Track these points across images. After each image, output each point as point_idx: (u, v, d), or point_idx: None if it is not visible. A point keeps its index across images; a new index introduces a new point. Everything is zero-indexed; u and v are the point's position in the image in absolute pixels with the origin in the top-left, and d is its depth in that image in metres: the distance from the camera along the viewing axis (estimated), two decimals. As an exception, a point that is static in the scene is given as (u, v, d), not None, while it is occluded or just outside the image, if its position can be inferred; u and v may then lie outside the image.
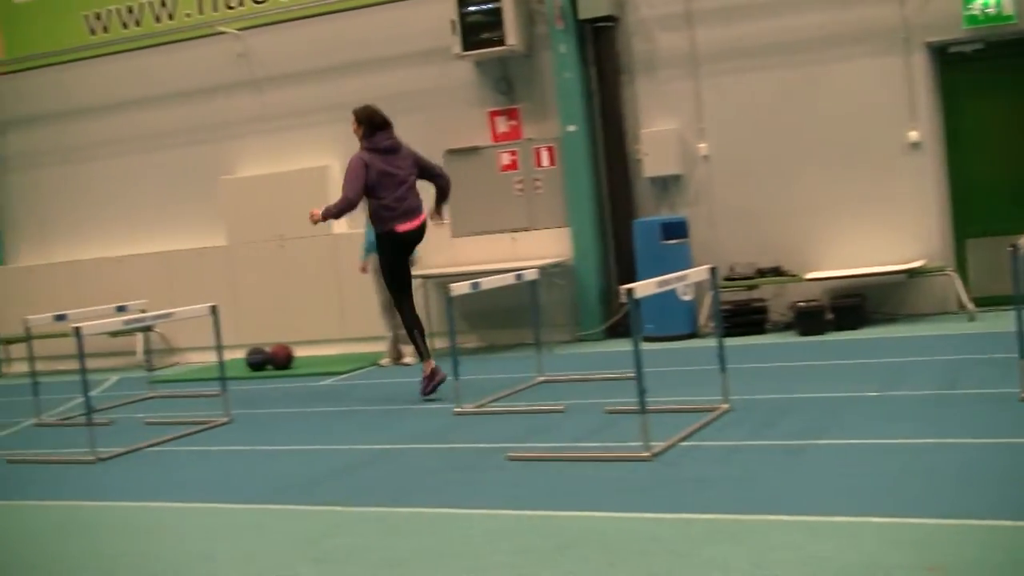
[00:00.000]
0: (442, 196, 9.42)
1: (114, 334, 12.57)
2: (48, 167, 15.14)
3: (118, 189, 14.66)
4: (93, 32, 14.68)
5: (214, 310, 9.01)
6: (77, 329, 7.83)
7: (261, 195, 13.46)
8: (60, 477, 7.44)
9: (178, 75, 14.21)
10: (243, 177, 13.72)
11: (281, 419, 8.96)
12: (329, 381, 10.95)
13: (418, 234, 9.12)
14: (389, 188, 8.90)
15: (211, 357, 12.97)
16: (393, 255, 9.08)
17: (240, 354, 12.18)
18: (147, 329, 11.76)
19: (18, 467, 7.94)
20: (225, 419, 8.84)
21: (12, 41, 15.25)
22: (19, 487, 7.20)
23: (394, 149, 9.04)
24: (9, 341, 14.53)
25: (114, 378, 12.83)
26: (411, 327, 9.17)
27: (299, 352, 12.39)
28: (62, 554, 5.47)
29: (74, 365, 13.23)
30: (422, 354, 9.17)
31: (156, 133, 14.42)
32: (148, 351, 11.91)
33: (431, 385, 9.08)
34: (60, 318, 10.40)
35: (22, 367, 14.41)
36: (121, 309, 10.55)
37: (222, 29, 13.77)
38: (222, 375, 9.02)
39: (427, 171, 9.28)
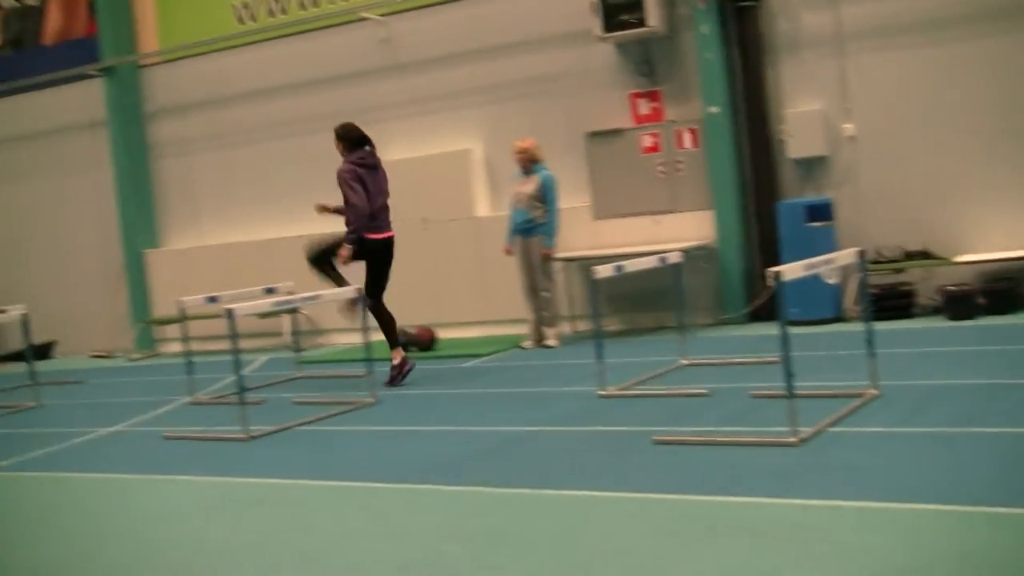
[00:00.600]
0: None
1: (262, 315, 12.87)
2: (199, 153, 15.57)
3: (265, 174, 15.01)
4: (241, 21, 15.03)
5: (359, 292, 9.16)
6: (229, 311, 8.04)
7: (405, 178, 13.58)
8: (214, 454, 7.67)
9: (323, 61, 14.47)
10: (387, 161, 13.83)
11: (425, 400, 9.08)
12: (472, 363, 11.05)
13: (385, 245, 9.78)
14: (371, 200, 9.69)
15: (356, 339, 13.25)
16: (375, 257, 9.79)
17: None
18: (294, 311, 12.01)
19: (174, 443, 8.22)
20: (371, 400, 9.00)
21: (165, 32, 15.71)
22: (175, 463, 7.44)
23: (375, 167, 9.84)
24: (163, 322, 15.03)
25: (262, 358, 13.17)
26: (385, 320, 9.83)
27: (442, 334, 12.53)
28: (218, 528, 5.65)
29: (225, 345, 13.63)
30: (392, 344, 9.83)
31: (302, 118, 14.70)
32: (295, 332, 12.17)
33: (400, 375, 9.76)
34: (212, 300, 10.71)
35: (175, 347, 14.88)
36: (270, 291, 10.82)
37: (365, 15, 13.97)
38: (368, 356, 9.18)
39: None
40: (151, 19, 15.84)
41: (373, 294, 9.74)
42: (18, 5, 17.05)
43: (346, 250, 9.61)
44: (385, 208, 9.88)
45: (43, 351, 15.85)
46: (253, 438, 7.94)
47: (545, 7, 12.97)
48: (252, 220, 15.16)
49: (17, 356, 15.69)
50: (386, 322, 9.84)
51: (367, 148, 9.87)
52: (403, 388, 9.67)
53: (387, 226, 9.88)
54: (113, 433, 9.05)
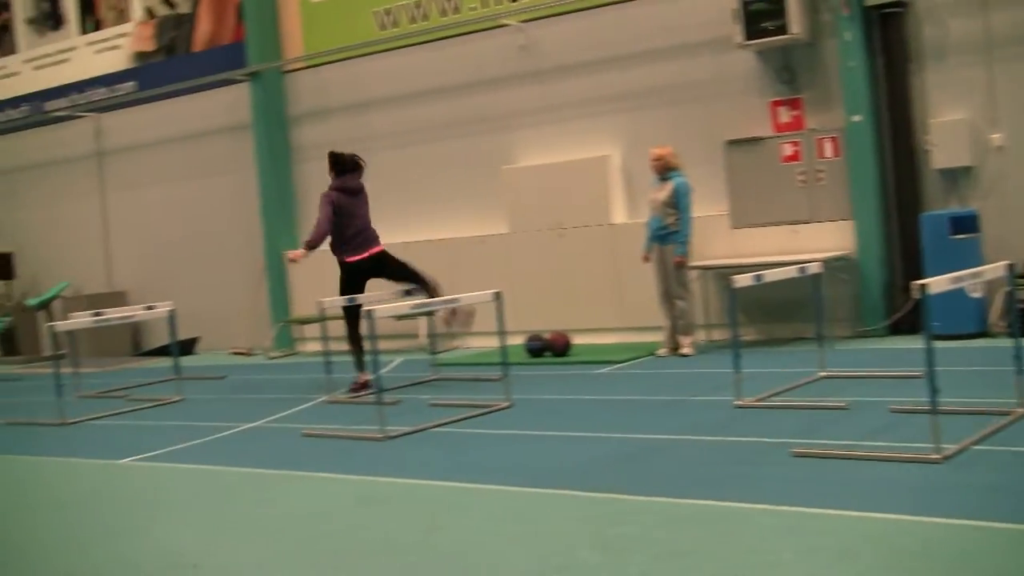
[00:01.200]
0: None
1: (399, 317, 13.03)
2: (340, 156, 15.83)
3: (404, 178, 15.19)
4: (383, 27, 15.25)
5: (497, 296, 9.24)
6: (370, 312, 8.16)
7: (542, 184, 13.67)
8: (351, 452, 7.80)
9: (462, 67, 14.60)
10: (525, 166, 13.97)
11: (560, 405, 9.09)
12: (607, 369, 11.03)
13: (372, 262, 10.66)
14: (348, 225, 10.52)
15: (490, 342, 13.32)
16: (347, 278, 10.63)
17: (519, 340, 12.42)
18: (431, 313, 12.13)
19: (312, 441, 8.37)
20: (506, 403, 9.05)
21: (309, 37, 16.02)
22: (314, 460, 7.58)
23: (358, 192, 10.69)
24: (302, 321, 15.32)
25: (398, 360, 13.33)
26: (356, 341, 10.59)
27: (577, 340, 12.53)
28: (357, 526, 5.74)
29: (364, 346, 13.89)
30: (361, 366, 10.61)
31: (440, 124, 14.86)
32: (431, 335, 12.29)
33: (358, 390, 10.43)
34: (351, 301, 10.87)
35: (313, 346, 15.17)
36: (408, 294, 10.95)
37: (505, 22, 14.06)
38: (504, 360, 9.23)
39: None
40: (296, 26, 16.17)
41: (349, 312, 10.52)
42: (171, 14, 17.57)
43: (297, 253, 10.78)
44: (361, 231, 10.69)
45: (187, 347, 16.28)
46: (390, 438, 8.04)
47: (685, 14, 12.89)
48: (390, 223, 15.25)
49: (163, 351, 16.18)
50: (355, 341, 10.62)
51: (352, 174, 10.71)
52: (538, 393, 9.70)
53: (364, 247, 10.68)
54: (253, 428, 9.26)
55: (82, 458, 8.57)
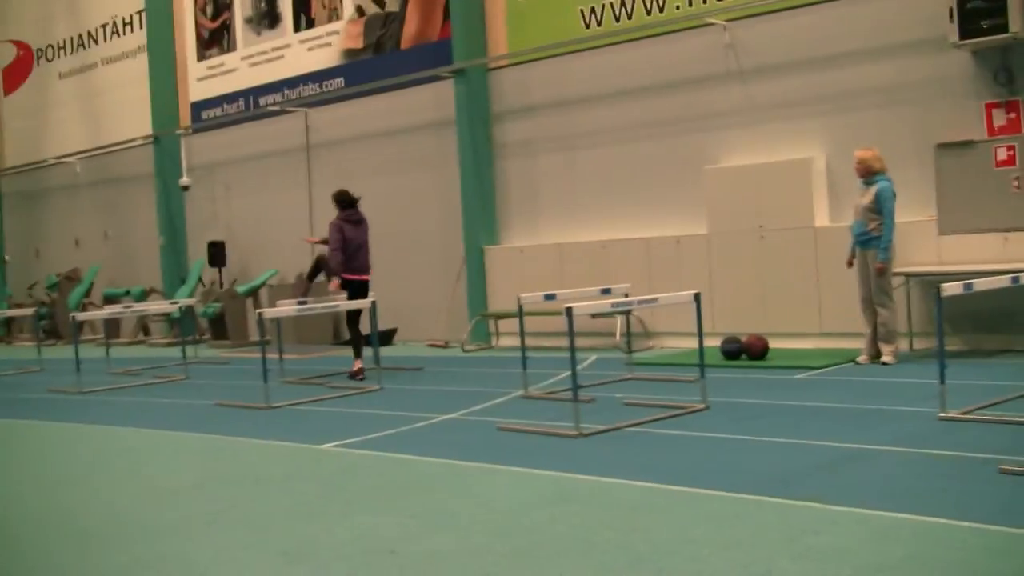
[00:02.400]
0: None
1: (595, 315, 13.02)
2: (541, 154, 15.92)
3: (604, 176, 15.18)
4: (588, 26, 15.25)
5: (697, 298, 9.13)
6: (569, 309, 8.17)
7: (743, 185, 13.46)
8: (546, 448, 7.81)
9: (666, 66, 14.49)
10: (726, 167, 13.77)
11: (756, 410, 8.93)
12: (805, 375, 10.78)
13: (358, 283, 12.83)
14: (350, 247, 12.72)
15: (686, 343, 13.23)
16: (351, 295, 12.74)
17: (715, 342, 12.26)
18: (627, 312, 12.08)
19: (507, 435, 8.43)
20: (702, 405, 8.93)
21: (514, 36, 16.15)
22: (509, 454, 7.62)
23: (359, 222, 12.99)
24: (500, 316, 15.46)
25: (592, 357, 13.32)
26: (357, 337, 12.87)
27: (774, 344, 12.30)
28: (551, 523, 5.74)
29: (556, 342, 13.97)
30: (358, 354, 12.77)
31: (642, 123, 14.78)
32: (627, 334, 12.23)
33: (355, 376, 12.54)
34: (549, 297, 10.94)
35: (508, 341, 15.30)
36: (606, 292, 10.93)
37: (711, 20, 13.89)
38: (701, 362, 9.12)
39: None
40: (501, 24, 16.33)
41: (351, 315, 12.94)
42: (380, 12, 17.96)
43: (335, 284, 12.77)
44: (362, 254, 12.91)
45: (386, 337, 16.63)
46: (584, 435, 8.04)
47: (895, 13, 12.49)
48: (589, 221, 15.37)
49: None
50: (356, 337, 12.88)
51: (354, 208, 12.99)
52: (734, 396, 9.56)
53: (361, 270, 12.90)
54: (449, 420, 9.38)
55: (284, 441, 8.83)
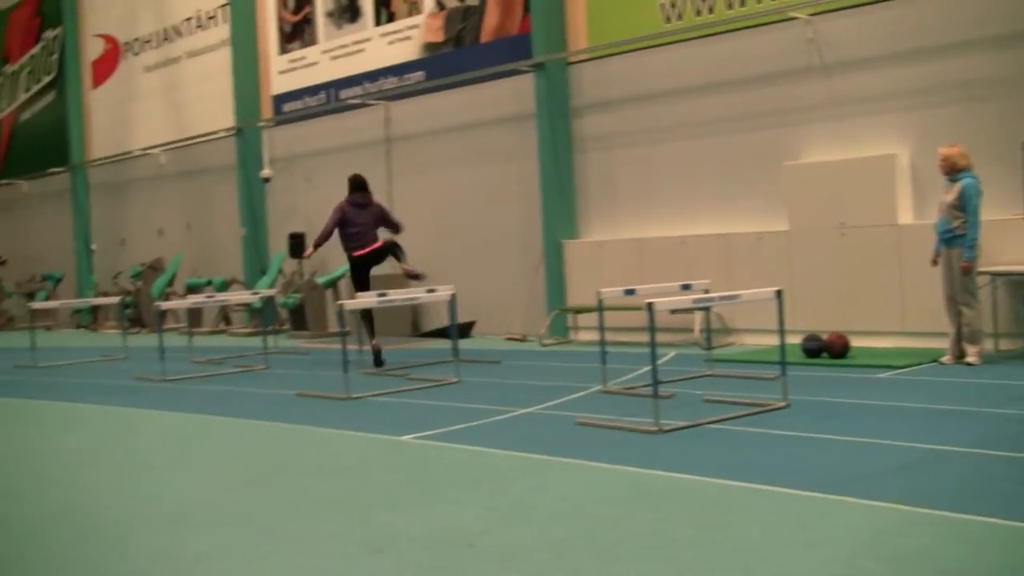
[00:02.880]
0: (394, 232, 14.29)
1: (674, 310, 12.94)
2: (620, 148, 15.86)
3: (683, 171, 15.08)
4: (668, 20, 15.16)
5: (779, 295, 9.04)
6: (650, 304, 8.13)
7: (825, 182, 13.29)
8: (625, 443, 7.78)
9: (746, 61, 14.35)
10: (807, 163, 13.61)
11: (839, 409, 8.81)
12: (887, 374, 10.63)
13: (370, 256, 13.79)
14: (353, 229, 13.70)
15: (766, 340, 13.11)
16: (354, 269, 13.82)
17: (795, 339, 12.13)
18: (706, 308, 12.00)
19: (586, 430, 8.41)
20: (782, 403, 8.84)
21: (594, 30, 16.10)
22: (588, 449, 7.60)
23: (364, 205, 13.90)
24: (578, 310, 15.44)
25: (671, 353, 13.24)
26: (368, 318, 13.82)
27: (856, 342, 12.14)
28: (632, 519, 5.71)
29: (634, 337, 13.93)
30: (371, 335, 13.75)
31: (722, 118, 14.66)
32: (706, 329, 12.15)
33: (377, 358, 13.41)
34: (629, 292, 10.89)
35: (586, 335, 15.28)
36: (686, 288, 10.86)
37: (793, 15, 13.73)
38: (782, 359, 9.03)
39: (385, 221, 14.12)
40: (581, 18, 16.28)
41: (358, 290, 13.60)
42: (460, 5, 18.00)
43: (308, 251, 14.26)
44: (362, 233, 13.75)
45: (465, 330, 16.69)
46: (664, 432, 7.99)
47: (981, 7, 12.24)
48: (667, 216, 15.28)
49: (440, 333, 16.66)
50: (366, 317, 13.89)
51: (361, 192, 13.91)
52: (815, 395, 9.45)
53: (366, 245, 13.75)
54: (528, 414, 9.38)
55: (364, 431, 8.89)
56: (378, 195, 19.37)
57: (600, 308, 10.79)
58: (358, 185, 14.04)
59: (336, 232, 13.83)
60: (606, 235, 16.00)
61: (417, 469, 7.42)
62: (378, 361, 13.44)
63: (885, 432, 7.66)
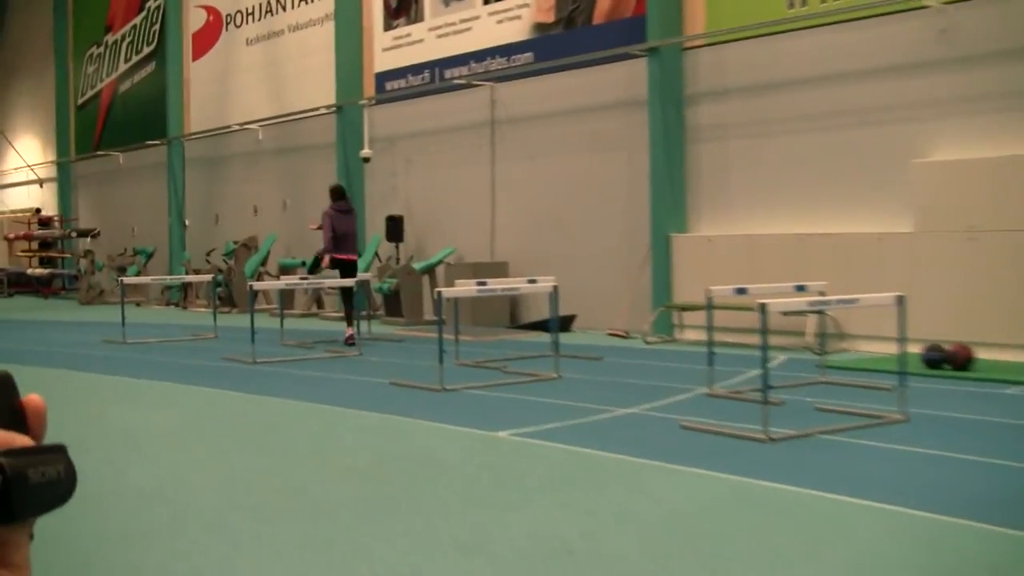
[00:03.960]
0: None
1: (786, 312, 12.80)
2: (735, 139, 15.72)
3: (801, 165, 14.89)
4: (791, 6, 14.96)
5: (900, 300, 8.88)
6: (763, 305, 8.04)
7: (956, 182, 13.00)
8: (731, 450, 7.70)
9: (873, 51, 14.11)
10: (937, 161, 13.34)
11: (960, 425, 8.63)
12: (1013, 390, 10.38)
13: (353, 265, 15.97)
14: (339, 234, 15.64)
15: (882, 348, 12.88)
16: (339, 269, 15.90)
17: (914, 348, 11.90)
18: (821, 312, 11.84)
19: (690, 434, 8.35)
20: (900, 416, 8.68)
21: (712, 14, 15.96)
22: (691, 454, 7.54)
23: (348, 212, 15.89)
24: (685, 308, 15.34)
25: (781, 357, 13.09)
26: (348, 304, 15.73)
27: (981, 354, 11.87)
28: (738, 530, 5.66)
29: (743, 339, 13.79)
30: (349, 321, 15.63)
31: (845, 111, 14.44)
32: (820, 334, 11.99)
33: (348, 342, 15.24)
34: (740, 291, 10.80)
35: (692, 334, 15.17)
36: (800, 289, 10.72)
37: (925, 3, 13.46)
38: (901, 369, 8.87)
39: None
40: (698, 2, 16.14)
41: (344, 290, 15.87)
42: (574, -17, 17.98)
43: (326, 261, 15.91)
44: (349, 240, 15.77)
45: (565, 323, 16.67)
46: (773, 440, 7.90)
47: None
48: (782, 212, 15.10)
49: (539, 326, 16.66)
50: (351, 305, 15.68)
51: (344, 200, 15.91)
52: (936, 408, 9.27)
53: (350, 251, 15.83)
54: (629, 415, 9.35)
55: (459, 425, 8.93)
56: (480, 180, 19.56)
57: (709, 307, 10.71)
58: (340, 193, 16.05)
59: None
60: (716, 230, 15.87)
61: (512, 467, 7.44)
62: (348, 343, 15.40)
63: (1012, 452, 7.49)
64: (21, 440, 0.93)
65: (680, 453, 7.61)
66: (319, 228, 16.07)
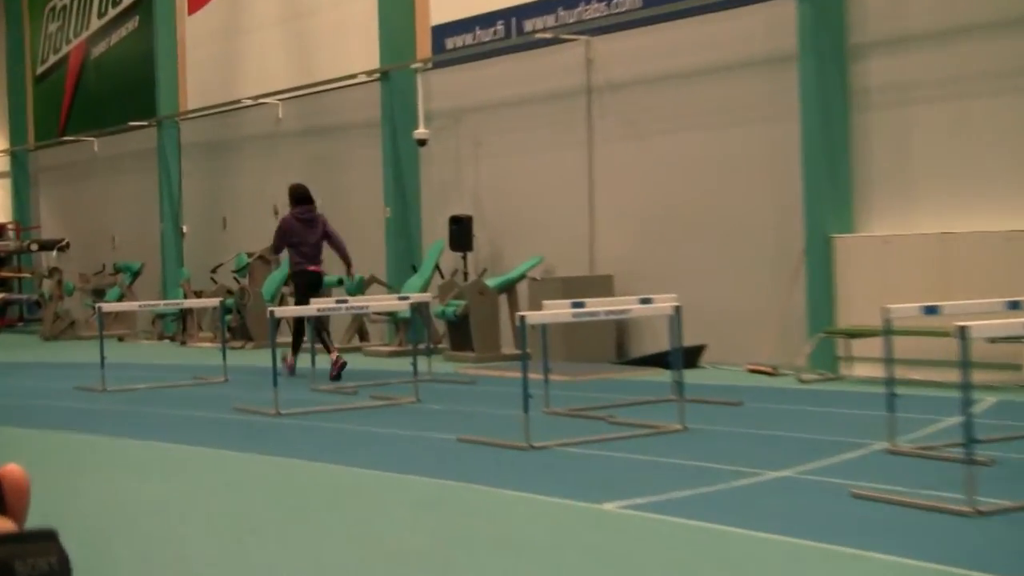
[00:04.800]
0: (341, 257, 18.10)
1: (995, 339, 12.61)
2: (920, 104, 15.53)
3: (1013, 138, 14.67)
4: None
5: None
6: (963, 329, 7.93)
7: None
8: (924, 528, 7.59)
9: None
10: None
11: None
12: None
13: (316, 276, 17.87)
14: (303, 245, 17.54)
15: None
16: (301, 285, 17.89)
17: None
18: (1042, 336, 11.66)
19: (865, 505, 8.22)
20: None
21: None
22: (870, 534, 7.43)
23: (310, 220, 17.69)
24: (853, 334, 15.16)
25: (990, 399, 12.89)
26: (298, 331, 17.92)
27: None
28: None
29: (936, 375, 13.62)
30: (295, 351, 17.90)
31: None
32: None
33: (335, 371, 17.02)
34: (930, 310, 10.67)
35: (866, 370, 14.99)
36: (1014, 307, 10.56)
37: None
38: None
39: (328, 237, 17.87)
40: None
41: (299, 304, 17.47)
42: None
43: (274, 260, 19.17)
44: (313, 249, 17.64)
45: (690, 357, 16.55)
46: (981, 513, 7.77)
47: None
48: (988, 203, 14.88)
49: (655, 360, 16.57)
50: (298, 332, 17.91)
51: (307, 205, 17.71)
52: None
53: (313, 262, 17.70)
54: (781, 479, 9.29)
55: (549, 495, 8.90)
56: (576, 165, 19.55)
57: (887, 331, 10.58)
58: (302, 197, 17.67)
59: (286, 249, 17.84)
60: (896, 228, 15.69)
61: (624, 551, 7.40)
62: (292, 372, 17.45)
63: None
64: (3, 525, 0.95)
65: (852, 532, 7.51)
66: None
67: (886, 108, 15.86)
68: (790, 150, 16.46)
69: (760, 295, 16.99)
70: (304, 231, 17.49)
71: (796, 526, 7.70)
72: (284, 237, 17.69)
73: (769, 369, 16.22)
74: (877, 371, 11.53)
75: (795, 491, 8.91)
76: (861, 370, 15.28)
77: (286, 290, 23.48)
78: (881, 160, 15.92)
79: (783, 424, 12.02)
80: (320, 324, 17.52)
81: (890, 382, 10.27)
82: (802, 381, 15.31)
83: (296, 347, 17.75)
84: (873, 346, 13.06)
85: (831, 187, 16.05)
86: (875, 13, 15.94)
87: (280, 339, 19.96)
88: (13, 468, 1.00)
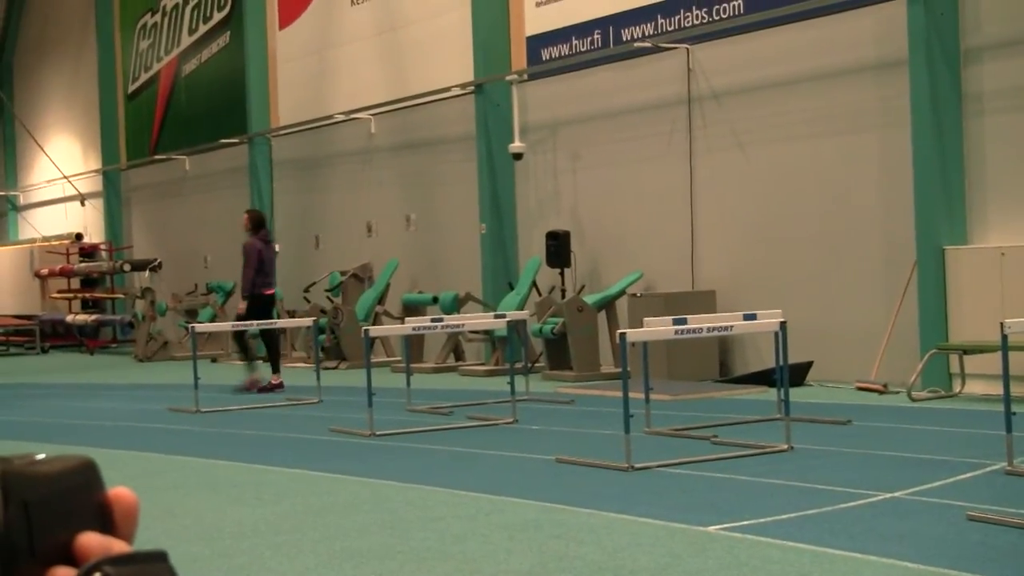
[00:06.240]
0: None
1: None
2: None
3: None
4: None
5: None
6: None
7: None
8: None
9: None
10: None
11: None
12: None
13: (273, 298, 19.83)
14: (265, 267, 19.27)
15: None
16: (258, 306, 19.20)
17: None
18: None
19: (984, 529, 8.11)
20: None
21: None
22: (988, 559, 7.34)
23: (270, 242, 19.59)
24: (968, 349, 14.98)
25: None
26: (246, 347, 20.02)
27: None
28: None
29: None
30: (250, 364, 19.81)
31: None
32: None
33: (258, 390, 18.97)
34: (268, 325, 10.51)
35: (982, 387, 14.82)
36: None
37: None
38: None
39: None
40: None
41: (266, 333, 19.95)
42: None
43: (242, 307, 19.20)
44: (270, 272, 19.42)
45: (798, 374, 16.44)
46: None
47: None
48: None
49: (763, 378, 16.46)
50: (245, 347, 20.08)
51: (266, 229, 19.83)
52: None
53: (272, 286, 19.62)
54: (893, 500, 9.17)
55: (652, 518, 8.85)
56: (677, 177, 19.52)
57: (1005, 347, 10.43)
58: (262, 222, 19.85)
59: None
60: (1012, 239, 15.49)
61: (730, 575, 7.32)
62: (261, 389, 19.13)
63: None
64: (119, 546, 1.00)
65: (968, 557, 7.42)
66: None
67: (1001, 113, 15.68)
68: (900, 158, 16.31)
69: (869, 310, 16.84)
70: (268, 252, 19.45)
71: (908, 550, 7.61)
72: (254, 261, 19.16)
73: (879, 387, 16.07)
74: (993, 388, 11.39)
75: (907, 513, 8.79)
76: (976, 387, 15.11)
77: (379, 309, 23.61)
78: (996, 168, 15.73)
79: (894, 444, 11.89)
80: (274, 337, 20.00)
81: (1008, 400, 10.14)
82: (913, 399, 15.14)
83: (276, 365, 19.62)
84: (989, 362, 12.91)
85: (944, 196, 15.88)
86: (989, 15, 15.77)
87: (379, 359, 20.04)
88: (124, 491, 1.07)
